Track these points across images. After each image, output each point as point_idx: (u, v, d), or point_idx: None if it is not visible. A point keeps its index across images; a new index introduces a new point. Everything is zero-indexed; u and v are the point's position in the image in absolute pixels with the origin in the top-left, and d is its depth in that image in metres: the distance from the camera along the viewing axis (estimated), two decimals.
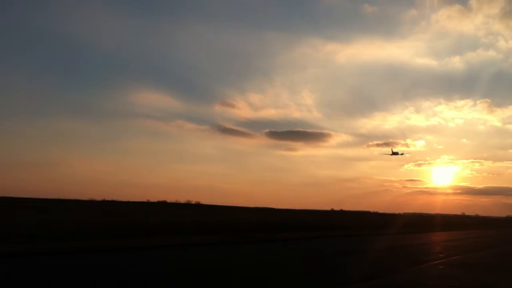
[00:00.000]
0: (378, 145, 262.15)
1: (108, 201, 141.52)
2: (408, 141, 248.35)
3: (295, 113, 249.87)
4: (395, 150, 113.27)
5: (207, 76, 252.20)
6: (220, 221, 45.20)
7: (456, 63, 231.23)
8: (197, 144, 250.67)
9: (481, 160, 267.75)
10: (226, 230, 35.14)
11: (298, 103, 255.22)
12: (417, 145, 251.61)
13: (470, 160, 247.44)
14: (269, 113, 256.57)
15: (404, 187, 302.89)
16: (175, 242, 25.58)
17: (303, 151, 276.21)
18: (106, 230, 28.93)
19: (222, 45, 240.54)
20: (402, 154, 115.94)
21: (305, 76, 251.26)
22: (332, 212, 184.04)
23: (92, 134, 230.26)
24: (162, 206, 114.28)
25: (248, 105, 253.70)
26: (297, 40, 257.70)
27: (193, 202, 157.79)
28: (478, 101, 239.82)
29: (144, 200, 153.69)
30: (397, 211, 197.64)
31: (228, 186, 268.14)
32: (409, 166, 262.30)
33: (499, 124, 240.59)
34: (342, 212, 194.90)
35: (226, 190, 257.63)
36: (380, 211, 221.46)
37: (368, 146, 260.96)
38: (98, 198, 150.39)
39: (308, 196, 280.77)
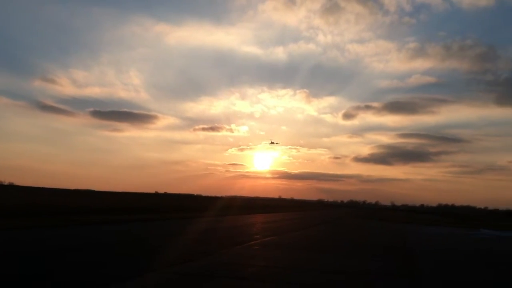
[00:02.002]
0: (204, 129, 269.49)
1: None
2: (233, 126, 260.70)
3: (122, 93, 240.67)
4: (272, 141, 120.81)
5: (26, 49, 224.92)
6: (33, 204, 38.99)
7: (280, 53, 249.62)
8: (13, 121, 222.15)
9: (298, 147, 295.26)
10: (39, 213, 30.46)
11: (125, 83, 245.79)
12: (240, 130, 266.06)
13: (288, 147, 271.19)
14: (94, 91, 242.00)
15: (227, 171, 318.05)
16: None
17: (129, 133, 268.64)
18: None
19: (45, 16, 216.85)
20: (277, 143, 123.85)
21: (133, 55, 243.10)
22: (156, 195, 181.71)
23: None
24: None
25: (71, 82, 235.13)
26: (126, 18, 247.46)
27: (5, 183, 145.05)
28: (297, 91, 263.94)
29: None
30: (220, 194, 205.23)
31: (48, 167, 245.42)
32: (233, 151, 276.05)
33: (315, 113, 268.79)
34: (166, 195, 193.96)
35: (46, 171, 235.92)
36: (204, 194, 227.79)
37: (195, 129, 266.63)
38: None
39: (133, 178, 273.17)
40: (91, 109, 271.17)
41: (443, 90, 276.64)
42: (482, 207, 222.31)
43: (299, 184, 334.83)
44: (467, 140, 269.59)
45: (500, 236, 38.55)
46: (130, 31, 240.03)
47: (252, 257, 16.20)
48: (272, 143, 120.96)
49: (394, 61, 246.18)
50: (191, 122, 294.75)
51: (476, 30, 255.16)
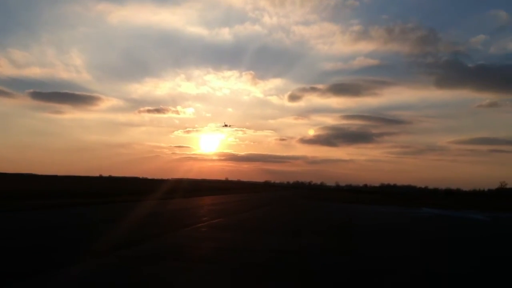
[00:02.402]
0: (149, 111, 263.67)
1: None
2: (179, 108, 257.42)
3: (63, 74, 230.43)
4: (225, 123, 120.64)
5: None
6: None
7: (225, 34, 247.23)
8: None
9: (244, 129, 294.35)
10: None
11: (67, 63, 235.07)
12: (186, 112, 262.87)
13: (234, 129, 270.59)
14: (34, 72, 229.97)
15: (173, 153, 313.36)
16: None
17: (71, 115, 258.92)
18: None
19: None
20: (230, 126, 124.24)
21: (74, 35, 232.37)
22: (100, 178, 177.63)
23: None
24: None
25: (9, 61, 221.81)
26: None
27: None
28: (243, 73, 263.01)
29: None
30: (166, 177, 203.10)
31: None
32: (179, 133, 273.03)
33: (261, 95, 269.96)
34: (111, 178, 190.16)
35: None
36: (150, 177, 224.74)
37: (140, 111, 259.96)
38: None
39: (75, 161, 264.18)
40: (31, 90, 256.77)
41: (385, 72, 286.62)
42: (423, 186, 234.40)
43: (245, 166, 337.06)
44: (408, 122, 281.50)
45: (440, 215, 41.01)
46: (71, 10, 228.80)
47: (200, 239, 16.42)
48: (226, 125, 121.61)
49: (338, 43, 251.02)
50: (136, 104, 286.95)
51: (417, 13, 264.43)
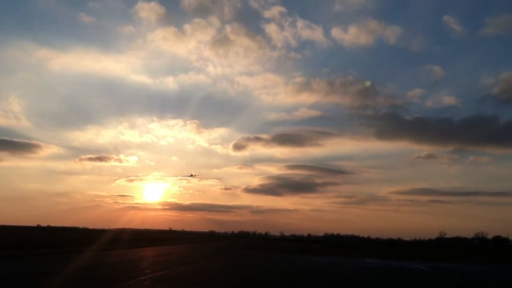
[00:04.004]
0: (91, 159, 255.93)
1: None
2: (122, 156, 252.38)
3: (1, 120, 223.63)
4: (190, 174, 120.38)
5: None
6: None
7: (170, 83, 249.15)
8: None
9: (189, 178, 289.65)
10: None
11: (5, 110, 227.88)
12: (130, 160, 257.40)
13: (179, 177, 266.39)
14: None
15: (115, 202, 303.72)
16: None
17: (8, 162, 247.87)
18: None
19: None
20: (195, 176, 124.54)
21: (13, 81, 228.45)
22: (38, 228, 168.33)
23: None
24: None
25: None
26: (6, 41, 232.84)
27: None
28: (188, 122, 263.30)
29: None
30: (107, 227, 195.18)
31: None
32: (121, 182, 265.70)
33: (205, 144, 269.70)
34: (49, 228, 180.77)
35: None
36: (90, 226, 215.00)
37: (81, 159, 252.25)
38: None
39: (12, 211, 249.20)
40: None
41: (328, 123, 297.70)
42: (366, 236, 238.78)
43: (190, 215, 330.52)
44: (350, 172, 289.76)
45: (382, 265, 41.71)
46: (11, 55, 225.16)
47: None
48: (191, 175, 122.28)
49: (281, 94, 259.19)
50: (77, 152, 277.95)
51: (357, 67, 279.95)
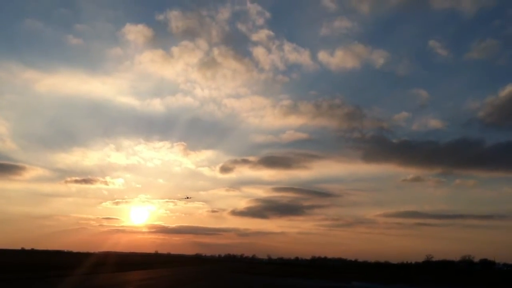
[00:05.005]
0: (76, 181, 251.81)
1: None
2: (108, 178, 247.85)
3: None
4: (182, 196, 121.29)
5: None
6: None
7: (157, 105, 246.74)
8: None
9: (175, 200, 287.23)
10: None
11: None
12: (116, 183, 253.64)
13: (165, 200, 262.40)
14: None
15: (101, 225, 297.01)
16: None
17: None
18: None
19: None
20: (190, 198, 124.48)
21: None
22: (21, 252, 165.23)
23: None
24: None
25: None
26: None
27: None
28: (175, 144, 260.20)
29: None
30: (93, 250, 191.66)
31: None
32: (107, 204, 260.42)
33: (192, 166, 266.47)
34: (33, 251, 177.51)
35: None
36: (75, 250, 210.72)
37: (66, 182, 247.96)
38: None
39: None
40: None
41: (314, 146, 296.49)
42: (353, 259, 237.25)
43: (176, 238, 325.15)
44: (337, 195, 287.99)
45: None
46: None
47: None
48: (187, 198, 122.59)
49: (269, 116, 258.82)
50: (62, 174, 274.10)
51: (344, 90, 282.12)
